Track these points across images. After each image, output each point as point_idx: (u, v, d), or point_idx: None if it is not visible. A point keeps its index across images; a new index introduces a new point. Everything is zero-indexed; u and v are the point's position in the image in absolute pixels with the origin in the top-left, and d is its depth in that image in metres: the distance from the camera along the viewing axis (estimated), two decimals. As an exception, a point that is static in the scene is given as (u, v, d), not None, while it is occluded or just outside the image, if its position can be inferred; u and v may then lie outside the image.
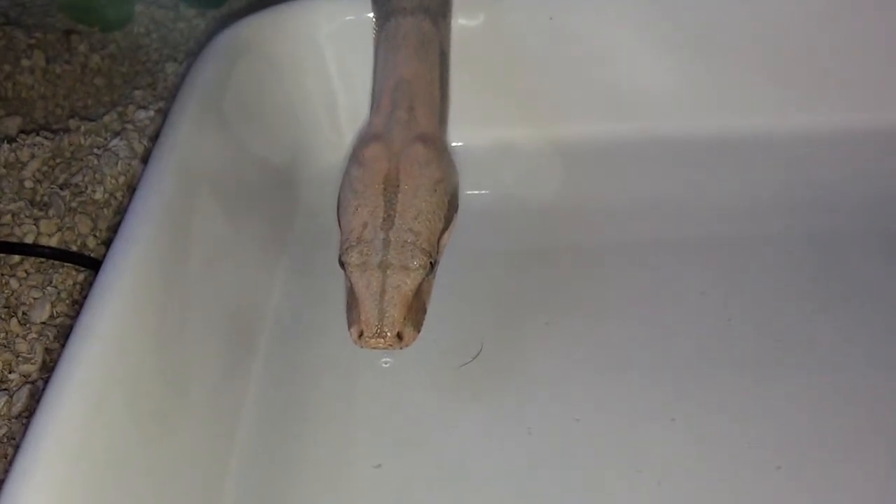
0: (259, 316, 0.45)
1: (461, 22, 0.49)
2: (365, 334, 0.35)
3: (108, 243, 0.50)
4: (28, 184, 0.53)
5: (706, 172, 0.52)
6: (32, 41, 0.63)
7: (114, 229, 0.51)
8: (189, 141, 0.43)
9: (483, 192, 0.51)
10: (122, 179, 0.53)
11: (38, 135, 0.55)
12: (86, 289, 0.48)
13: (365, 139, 0.40)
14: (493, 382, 0.41)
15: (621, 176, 0.52)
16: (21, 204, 0.51)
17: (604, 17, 0.51)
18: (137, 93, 0.60)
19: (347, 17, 0.51)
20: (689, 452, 0.38)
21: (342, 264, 0.37)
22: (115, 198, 0.52)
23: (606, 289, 0.46)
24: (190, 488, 0.36)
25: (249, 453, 0.39)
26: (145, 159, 0.53)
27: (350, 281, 0.37)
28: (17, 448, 0.30)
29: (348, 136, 0.52)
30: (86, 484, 0.30)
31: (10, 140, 0.55)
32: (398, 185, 0.38)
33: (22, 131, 0.56)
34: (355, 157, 0.40)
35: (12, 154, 0.54)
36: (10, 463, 0.30)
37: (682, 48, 0.52)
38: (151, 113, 0.57)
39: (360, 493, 0.38)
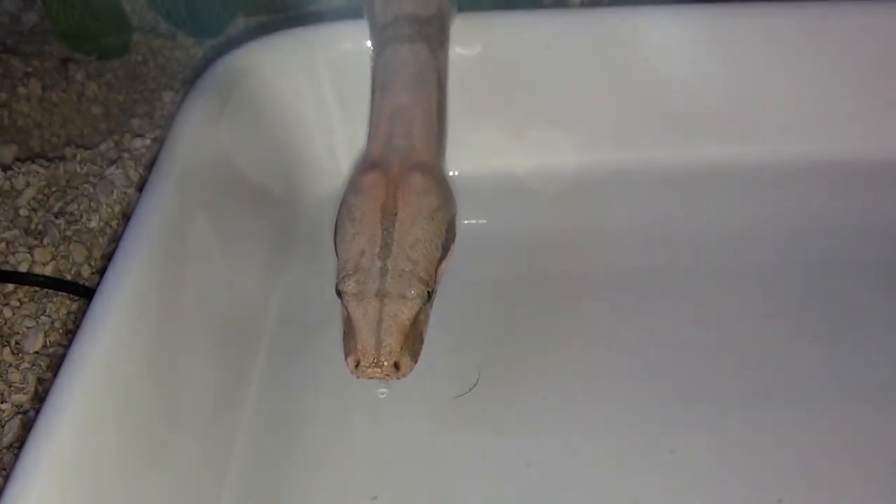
0: (254, 345, 0.45)
1: (458, 51, 0.50)
2: (362, 364, 0.35)
3: (102, 272, 0.49)
4: (23, 212, 0.52)
5: (701, 201, 0.52)
6: (29, 69, 0.63)
7: (109, 258, 0.50)
8: (185, 169, 0.43)
9: (479, 221, 0.51)
10: (117, 208, 0.53)
11: (33, 163, 0.55)
12: (80, 318, 0.48)
13: (363, 167, 0.40)
14: (491, 414, 0.41)
15: (617, 205, 0.52)
16: (16, 232, 0.51)
17: (600, 46, 0.52)
18: (134, 121, 0.60)
19: (345, 46, 0.51)
20: (689, 484, 0.38)
21: (339, 293, 0.37)
22: (111, 226, 0.52)
23: (604, 318, 0.46)
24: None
25: (243, 485, 0.39)
26: (141, 187, 0.53)
27: (347, 310, 0.37)
28: (6, 479, 0.30)
29: (345, 165, 0.52)
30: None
31: (6, 168, 0.55)
32: (396, 214, 0.38)
33: (17, 159, 0.56)
34: (353, 184, 0.40)
35: (7, 182, 0.54)
36: (1, 493, 0.29)
37: (675, 79, 0.52)
38: (148, 141, 0.57)
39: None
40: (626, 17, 0.51)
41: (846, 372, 0.42)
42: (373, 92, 0.45)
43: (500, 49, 0.51)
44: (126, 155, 0.56)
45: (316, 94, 0.52)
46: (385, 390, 0.41)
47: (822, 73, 0.52)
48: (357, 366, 0.35)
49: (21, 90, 0.61)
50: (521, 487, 0.38)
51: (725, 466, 0.39)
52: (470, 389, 0.42)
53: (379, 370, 0.35)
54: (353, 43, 0.50)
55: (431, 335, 0.39)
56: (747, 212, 0.51)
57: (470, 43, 0.51)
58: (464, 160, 0.51)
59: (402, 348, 0.35)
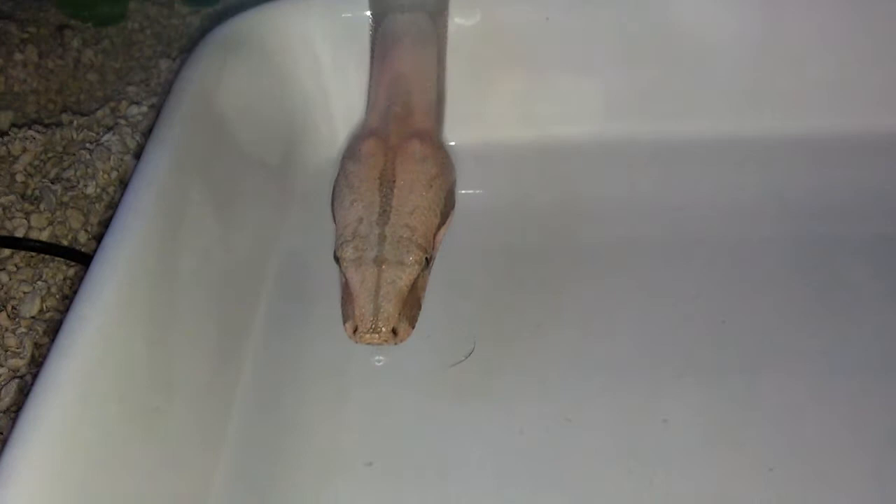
0: (251, 312, 0.45)
1: (457, 21, 0.50)
2: (360, 329, 0.36)
3: (99, 238, 0.50)
4: (19, 178, 0.53)
5: (700, 174, 0.52)
6: (25, 35, 0.63)
7: (105, 224, 0.51)
8: (182, 136, 0.43)
9: (476, 191, 0.51)
10: (114, 174, 0.53)
11: (30, 128, 0.55)
12: (76, 283, 0.48)
13: (361, 134, 0.41)
14: (485, 382, 0.42)
15: (615, 176, 0.52)
16: (12, 198, 0.51)
17: (599, 17, 0.52)
18: (131, 88, 0.60)
19: (343, 14, 0.51)
20: (681, 454, 0.39)
21: (337, 259, 0.37)
22: (107, 193, 0.52)
23: (599, 289, 0.46)
24: (179, 484, 0.36)
25: (240, 449, 0.40)
26: (138, 155, 0.53)
27: (345, 276, 0.37)
28: (4, 442, 0.30)
29: (342, 133, 0.52)
30: (74, 478, 0.31)
31: (2, 134, 0.55)
32: (394, 181, 0.38)
33: (14, 125, 0.57)
34: (351, 152, 0.40)
35: (4, 148, 0.54)
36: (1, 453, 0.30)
37: (673, 51, 0.52)
38: (144, 109, 0.57)
39: (352, 490, 0.38)
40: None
41: (844, 344, 0.43)
42: (371, 60, 0.45)
43: (498, 19, 0.51)
44: (123, 122, 0.56)
45: (314, 62, 0.52)
46: (381, 358, 0.42)
47: (813, 46, 0.52)
48: (355, 331, 0.36)
49: (17, 56, 0.61)
50: (516, 453, 0.39)
51: (717, 436, 0.39)
52: (466, 357, 0.42)
53: (377, 336, 0.35)
54: (353, 11, 0.50)
55: (427, 304, 0.39)
56: (746, 186, 0.51)
57: (469, 13, 0.50)
58: (462, 130, 0.51)
59: (399, 314, 0.36)
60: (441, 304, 0.42)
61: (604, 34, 0.52)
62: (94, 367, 0.33)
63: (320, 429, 0.40)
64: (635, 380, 0.42)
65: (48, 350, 0.33)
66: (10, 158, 0.54)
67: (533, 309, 0.45)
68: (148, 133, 0.54)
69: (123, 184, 0.53)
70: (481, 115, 0.53)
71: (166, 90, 0.58)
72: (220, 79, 0.47)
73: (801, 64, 0.53)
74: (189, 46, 0.64)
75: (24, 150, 0.54)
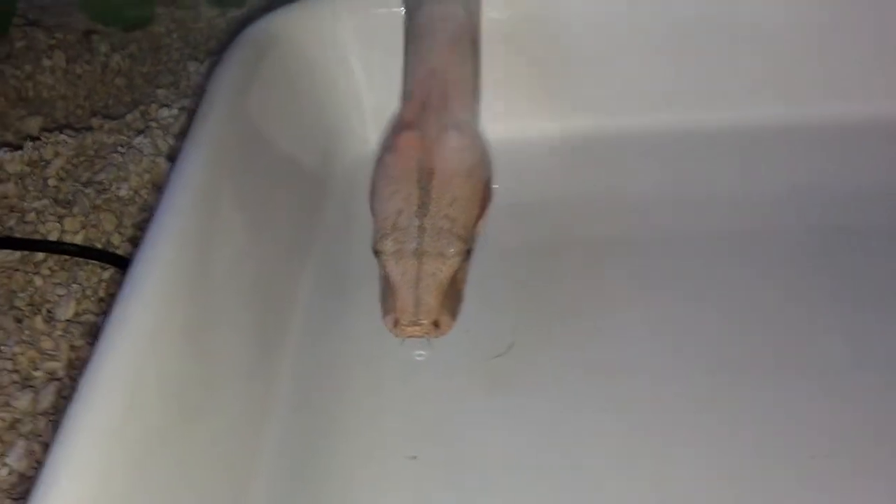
0: (288, 309, 0.45)
1: (489, 14, 0.50)
2: (401, 322, 0.36)
3: (133, 240, 0.50)
4: (52, 182, 0.53)
5: (722, 165, 0.52)
6: (53, 41, 0.63)
7: (139, 227, 0.51)
8: (217, 138, 0.43)
9: (506, 185, 0.51)
10: (146, 177, 0.53)
11: (61, 133, 0.56)
12: (111, 286, 0.48)
13: (398, 127, 0.41)
14: (527, 374, 0.41)
15: (645, 168, 0.52)
16: (45, 202, 0.52)
17: (632, 9, 0.52)
18: (160, 91, 0.60)
19: (374, 11, 0.51)
20: (720, 442, 0.38)
21: (376, 252, 0.37)
22: (140, 195, 0.53)
23: (637, 281, 0.46)
24: (222, 479, 0.36)
25: (281, 445, 0.40)
26: (170, 157, 0.54)
27: (385, 269, 0.37)
28: (49, 444, 0.30)
29: (376, 130, 0.52)
30: (120, 478, 0.31)
31: (33, 139, 0.56)
32: (433, 173, 0.38)
33: (45, 130, 0.57)
34: (388, 144, 0.40)
35: (35, 152, 0.54)
36: (47, 453, 0.30)
37: (694, 42, 0.52)
38: (175, 111, 0.58)
39: (396, 484, 0.38)
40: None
41: (869, 337, 0.42)
42: (406, 54, 0.45)
43: (530, 12, 0.51)
44: (154, 125, 0.57)
45: (346, 59, 0.52)
46: (423, 353, 0.42)
47: (823, 32, 0.52)
48: (396, 324, 0.36)
49: (45, 62, 0.62)
50: (561, 447, 0.39)
51: (756, 424, 0.39)
52: (506, 350, 0.42)
53: (418, 328, 0.35)
54: (384, 7, 0.50)
55: (465, 298, 0.39)
56: (774, 176, 0.51)
57: (500, 6, 0.51)
58: (491, 124, 0.51)
59: (441, 306, 0.36)
60: (479, 298, 0.42)
61: (637, 25, 0.52)
62: (138, 367, 0.33)
63: (362, 423, 0.40)
64: (677, 371, 0.41)
65: (92, 350, 0.33)
66: (42, 163, 0.54)
67: (569, 302, 0.45)
68: (180, 135, 0.55)
69: (156, 186, 0.53)
70: (512, 109, 0.52)
71: (197, 92, 0.59)
72: (253, 79, 0.48)
73: (812, 49, 0.52)
74: (216, 49, 0.65)
75: (56, 155, 0.55)
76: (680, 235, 0.48)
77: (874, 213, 0.49)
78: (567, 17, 0.52)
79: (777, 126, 0.53)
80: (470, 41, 0.44)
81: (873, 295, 0.44)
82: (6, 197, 0.53)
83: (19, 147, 0.55)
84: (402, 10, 0.47)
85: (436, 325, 0.36)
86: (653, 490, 0.37)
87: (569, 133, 0.53)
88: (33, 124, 0.58)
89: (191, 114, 0.56)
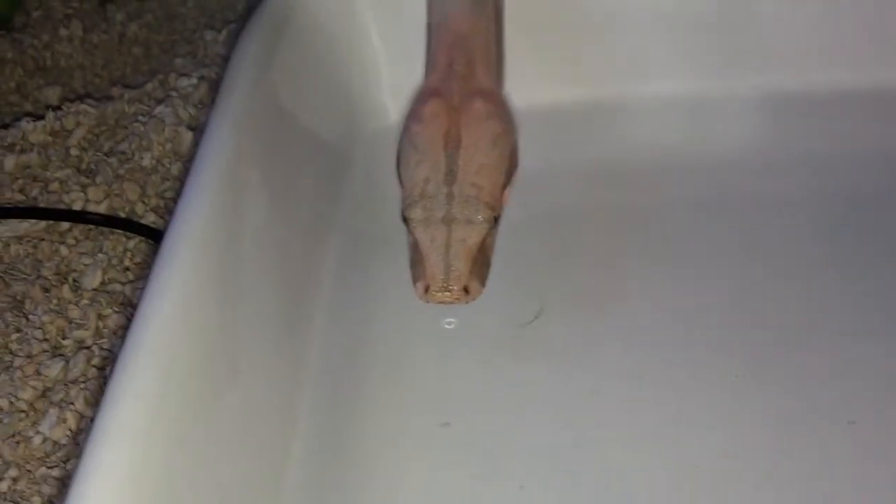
0: (315, 281, 0.46)
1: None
2: (431, 289, 0.36)
3: (156, 210, 0.51)
4: (74, 151, 0.54)
5: (751, 129, 0.52)
6: (69, 11, 0.64)
7: (162, 196, 0.52)
8: (243, 108, 0.43)
9: (532, 152, 0.51)
10: (168, 146, 0.54)
11: (82, 103, 0.56)
12: (136, 255, 0.49)
13: (423, 95, 0.41)
14: (556, 343, 0.42)
15: (671, 134, 0.53)
16: (68, 171, 0.52)
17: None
18: (178, 61, 0.61)
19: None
20: (758, 408, 0.39)
21: (405, 220, 0.38)
22: (163, 164, 0.53)
23: (662, 248, 0.46)
24: (257, 447, 0.37)
25: (314, 419, 0.40)
26: (191, 126, 0.54)
27: (414, 236, 0.37)
28: (98, 407, 0.31)
29: (399, 100, 0.52)
30: (163, 440, 0.31)
31: (55, 108, 0.56)
32: (460, 140, 0.39)
33: (66, 99, 0.58)
34: (414, 113, 0.41)
35: (57, 122, 0.55)
36: (93, 420, 0.30)
37: (720, 8, 0.52)
38: (194, 80, 0.58)
39: (431, 450, 0.38)
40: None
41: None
42: (429, 22, 0.45)
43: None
44: (174, 94, 0.57)
45: (366, 30, 0.52)
46: (452, 320, 0.42)
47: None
48: (426, 290, 0.36)
49: (63, 32, 0.62)
50: (590, 414, 0.39)
51: (793, 391, 0.39)
52: (535, 318, 0.43)
53: (448, 294, 0.36)
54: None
55: (491, 266, 0.39)
56: (809, 140, 0.51)
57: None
58: (516, 92, 0.51)
59: (470, 272, 0.36)
60: (506, 266, 0.42)
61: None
62: (174, 340, 0.33)
63: (394, 392, 0.41)
64: (705, 337, 0.42)
65: (130, 323, 0.33)
66: (65, 133, 0.55)
67: (596, 270, 0.45)
68: (199, 105, 0.56)
69: (178, 156, 0.54)
70: (537, 76, 0.52)
71: (215, 62, 0.60)
72: (275, 51, 0.48)
73: (827, 15, 0.52)
74: (233, 18, 0.65)
75: (78, 125, 0.55)
76: (711, 202, 0.48)
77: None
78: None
79: (809, 91, 0.52)
80: (493, 7, 0.44)
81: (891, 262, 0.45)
82: (29, 167, 0.53)
83: (41, 117, 0.56)
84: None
85: (465, 291, 0.36)
86: (677, 454, 0.38)
87: (594, 100, 0.53)
88: (52, 94, 0.58)
89: (210, 83, 0.57)
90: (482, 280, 0.37)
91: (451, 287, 0.36)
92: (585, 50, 0.53)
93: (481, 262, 0.37)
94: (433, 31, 0.44)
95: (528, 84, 0.52)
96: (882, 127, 0.52)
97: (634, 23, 0.53)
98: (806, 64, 0.53)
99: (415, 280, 0.37)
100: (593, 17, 0.53)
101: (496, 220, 0.38)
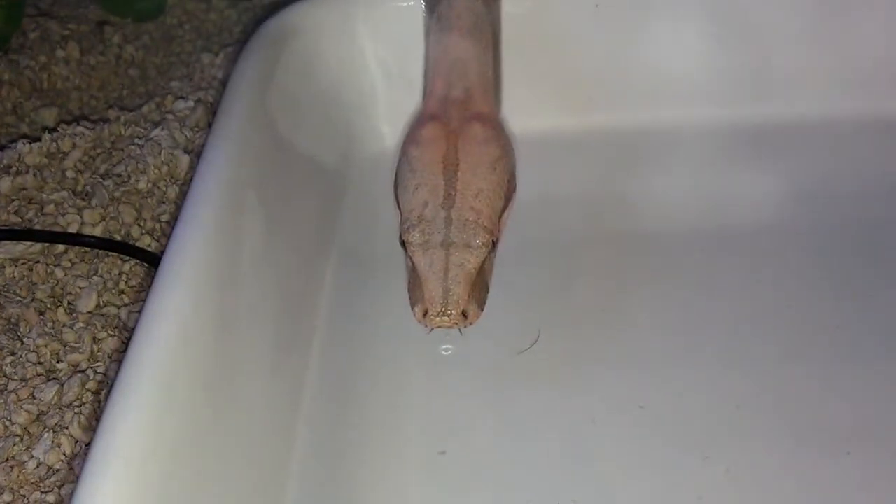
0: (313, 305, 0.46)
1: (507, 9, 0.51)
2: (430, 313, 0.37)
3: (152, 233, 0.52)
4: (70, 174, 0.54)
5: (746, 161, 0.53)
6: (66, 32, 0.65)
7: (158, 219, 0.52)
8: (241, 132, 0.44)
9: (530, 180, 0.52)
10: (164, 169, 0.54)
11: (78, 125, 0.57)
12: (131, 278, 0.50)
13: (421, 120, 0.42)
14: (554, 370, 0.43)
15: (668, 165, 0.54)
16: (64, 194, 0.53)
17: (648, 4, 0.53)
18: (174, 83, 0.62)
19: (392, 5, 0.52)
20: (757, 439, 0.40)
21: (403, 244, 0.39)
22: (159, 188, 0.54)
23: (662, 276, 0.47)
24: (254, 472, 0.38)
25: (310, 440, 0.41)
26: (188, 150, 0.55)
27: (412, 260, 0.38)
28: (95, 430, 0.31)
29: (397, 124, 0.53)
30: (160, 465, 0.32)
31: (50, 130, 0.57)
32: (458, 164, 0.40)
33: (62, 121, 0.58)
34: (412, 137, 0.42)
35: (53, 144, 0.56)
36: (88, 445, 0.31)
37: (720, 35, 0.54)
38: (191, 103, 0.59)
39: (428, 478, 0.39)
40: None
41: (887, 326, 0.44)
42: (427, 46, 0.46)
43: (548, 7, 0.53)
44: (170, 116, 0.58)
45: (363, 54, 0.53)
46: (449, 347, 0.43)
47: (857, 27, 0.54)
48: (425, 315, 0.37)
49: (59, 53, 0.63)
50: (589, 442, 0.40)
51: (792, 419, 0.40)
52: (531, 346, 0.43)
53: (447, 319, 0.37)
54: (402, 2, 0.52)
55: (488, 295, 0.40)
56: (801, 171, 0.52)
57: (519, 1, 0.52)
58: (512, 120, 0.52)
59: (469, 297, 0.37)
60: (503, 294, 0.43)
61: (654, 21, 0.53)
62: (172, 363, 0.34)
63: (390, 420, 0.42)
64: (705, 365, 0.42)
65: (127, 346, 0.34)
66: (60, 155, 0.55)
67: (594, 297, 0.46)
68: (196, 128, 0.56)
69: (175, 179, 0.54)
70: (532, 105, 0.53)
71: (212, 85, 0.61)
72: (273, 74, 0.49)
73: (836, 45, 0.54)
74: (229, 41, 0.66)
75: (74, 146, 0.56)
76: (707, 230, 0.49)
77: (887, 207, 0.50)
78: (584, 11, 0.53)
79: (809, 121, 0.54)
80: (491, 33, 0.45)
81: (887, 288, 0.46)
82: (25, 189, 0.54)
83: (37, 139, 0.56)
84: (422, 3, 0.48)
85: (464, 315, 0.37)
86: (682, 485, 0.38)
87: (595, 127, 0.55)
88: (48, 115, 0.59)
89: (207, 106, 0.58)
90: (481, 304, 0.38)
91: (449, 311, 0.37)
92: (585, 79, 0.55)
93: (479, 287, 0.38)
94: (431, 56, 0.45)
95: (527, 112, 0.53)
96: (874, 155, 0.53)
97: (634, 52, 0.54)
98: (800, 94, 0.55)
99: (413, 304, 0.38)
100: (592, 47, 0.54)
101: (494, 244, 0.39)
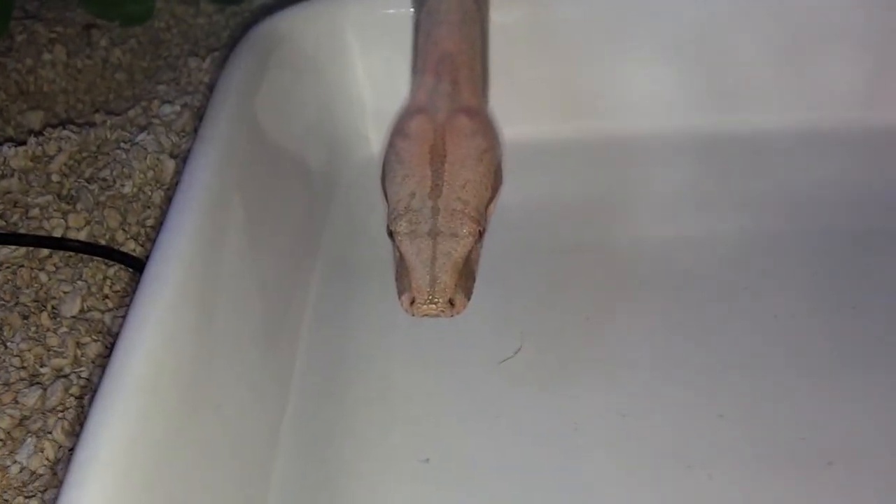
0: (298, 311, 0.48)
1: (495, 18, 0.52)
2: (417, 301, 0.38)
3: (137, 238, 0.53)
4: (55, 178, 0.56)
5: (742, 167, 0.55)
6: (53, 35, 0.66)
7: (143, 224, 0.54)
8: (227, 136, 0.45)
9: (515, 187, 0.53)
10: (150, 174, 0.56)
11: (64, 128, 0.59)
12: (116, 283, 0.51)
13: (409, 112, 0.43)
14: (537, 378, 0.44)
15: (656, 172, 0.55)
16: (49, 198, 0.54)
17: (639, 13, 0.55)
18: (161, 87, 0.63)
19: (381, 12, 0.54)
20: (739, 448, 0.41)
21: (391, 234, 0.40)
22: (144, 192, 0.55)
23: (645, 284, 0.48)
24: (237, 476, 0.39)
25: (294, 444, 0.42)
26: (173, 154, 0.57)
27: (399, 250, 0.39)
28: (79, 435, 0.32)
29: (384, 131, 0.54)
30: (144, 469, 0.33)
31: (36, 133, 0.58)
32: (445, 156, 0.41)
33: (48, 125, 0.60)
34: (400, 129, 0.43)
35: (39, 147, 0.57)
36: (73, 449, 0.32)
37: (707, 46, 0.55)
38: (177, 108, 0.60)
39: (412, 486, 0.40)
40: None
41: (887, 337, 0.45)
42: (416, 39, 0.47)
43: (537, 16, 0.54)
44: (156, 121, 0.59)
45: (351, 60, 0.55)
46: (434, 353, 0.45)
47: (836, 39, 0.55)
48: (412, 303, 0.38)
49: (46, 56, 0.65)
50: (571, 450, 0.41)
51: (775, 430, 0.41)
52: (514, 353, 0.44)
53: (434, 307, 0.37)
54: (392, 8, 0.53)
55: (471, 301, 0.40)
56: (797, 178, 0.54)
57: (508, 9, 0.53)
58: (504, 125, 0.54)
59: (455, 285, 0.38)
60: (488, 300, 0.43)
61: (644, 30, 0.55)
62: (156, 367, 0.35)
63: (374, 426, 0.43)
64: (689, 374, 0.44)
65: (112, 351, 0.35)
66: (46, 158, 0.57)
67: (578, 305, 0.47)
68: (182, 133, 0.58)
69: (160, 184, 0.56)
70: (520, 111, 0.54)
71: (198, 89, 0.62)
72: (260, 79, 0.50)
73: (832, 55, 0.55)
74: (217, 45, 0.68)
75: (60, 150, 0.57)
76: (691, 238, 0.51)
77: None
78: (574, 19, 0.55)
79: (790, 130, 0.55)
80: (479, 27, 0.47)
81: (872, 300, 0.47)
82: (10, 192, 0.55)
83: (22, 142, 0.58)
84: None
85: (451, 303, 0.38)
86: (665, 493, 0.39)
87: (580, 135, 0.56)
88: (34, 118, 0.61)
89: (193, 111, 0.59)
90: (467, 293, 0.39)
91: (436, 299, 0.38)
92: (575, 86, 0.56)
93: (466, 276, 0.39)
94: (420, 49, 0.46)
95: (516, 119, 0.54)
96: (869, 166, 0.55)
97: (625, 60, 0.56)
98: (788, 103, 0.56)
99: (400, 293, 0.39)
100: (584, 54, 0.55)
101: (481, 234, 0.40)
